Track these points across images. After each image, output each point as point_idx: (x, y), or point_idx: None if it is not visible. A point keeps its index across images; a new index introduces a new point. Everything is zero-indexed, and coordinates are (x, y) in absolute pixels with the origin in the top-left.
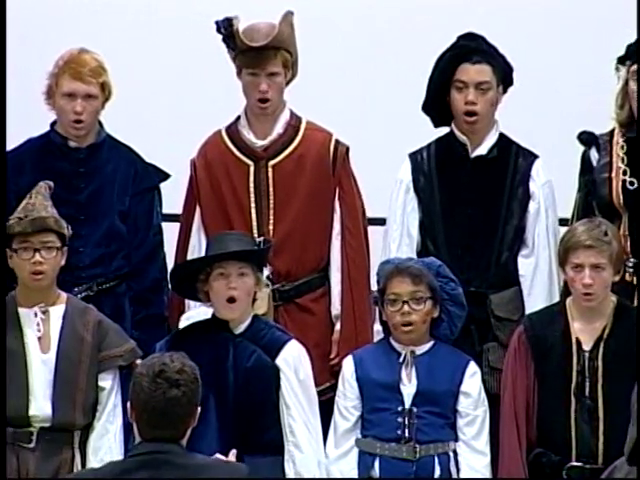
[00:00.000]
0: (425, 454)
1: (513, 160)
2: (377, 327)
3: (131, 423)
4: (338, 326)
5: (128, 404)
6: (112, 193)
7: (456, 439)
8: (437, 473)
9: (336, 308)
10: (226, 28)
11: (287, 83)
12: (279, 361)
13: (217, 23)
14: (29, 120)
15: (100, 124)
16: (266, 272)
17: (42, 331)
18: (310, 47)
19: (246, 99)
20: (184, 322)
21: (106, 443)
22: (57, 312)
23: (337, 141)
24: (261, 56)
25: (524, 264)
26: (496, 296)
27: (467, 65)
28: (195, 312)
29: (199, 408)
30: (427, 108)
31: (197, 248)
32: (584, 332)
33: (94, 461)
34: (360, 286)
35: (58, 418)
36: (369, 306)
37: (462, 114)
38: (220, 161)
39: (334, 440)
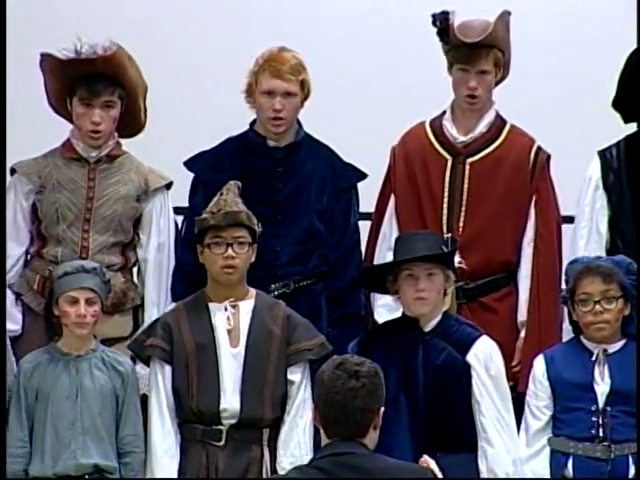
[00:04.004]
0: (620, 454)
1: None
2: (566, 325)
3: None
4: (523, 333)
5: (312, 407)
6: (310, 192)
7: None
8: (632, 473)
9: (522, 314)
10: (442, 22)
11: (498, 82)
12: (470, 357)
13: (433, 16)
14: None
15: (299, 123)
16: (457, 258)
17: (232, 325)
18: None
19: (454, 94)
20: (379, 310)
21: (295, 437)
22: (246, 307)
23: (539, 148)
24: (473, 53)
25: None
26: None
27: None
28: (389, 298)
29: (382, 409)
30: (618, 104)
31: (387, 236)
32: None
33: (284, 455)
34: (549, 295)
35: (246, 412)
36: (556, 315)
37: None
38: (419, 152)
39: (525, 440)
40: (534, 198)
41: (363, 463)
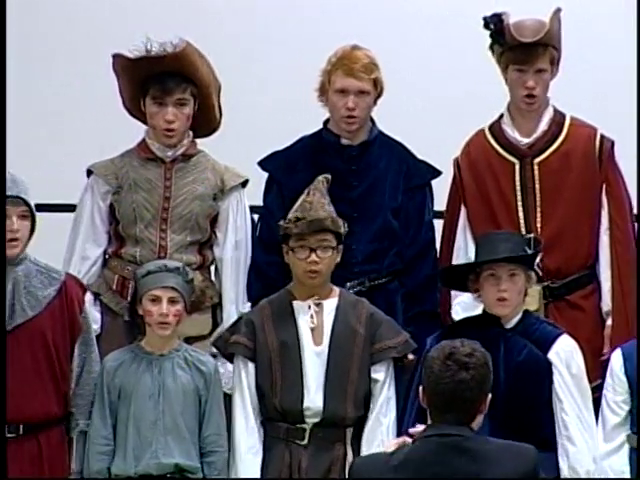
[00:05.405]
0: None
1: None
2: None
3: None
4: (609, 321)
5: (420, 388)
6: (384, 190)
7: None
8: None
9: (607, 304)
10: (495, 24)
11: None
12: (551, 355)
13: (485, 19)
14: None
15: (372, 121)
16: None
17: (316, 323)
18: (570, 43)
19: (511, 96)
20: (456, 308)
21: (379, 436)
22: (330, 305)
23: (602, 136)
24: (530, 52)
25: None
26: None
27: None
28: (466, 296)
29: (490, 395)
30: None
31: (463, 249)
32: None
33: (366, 453)
34: (630, 280)
35: (329, 411)
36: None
37: None
38: (484, 160)
39: (603, 435)
40: (604, 186)
41: (470, 445)
